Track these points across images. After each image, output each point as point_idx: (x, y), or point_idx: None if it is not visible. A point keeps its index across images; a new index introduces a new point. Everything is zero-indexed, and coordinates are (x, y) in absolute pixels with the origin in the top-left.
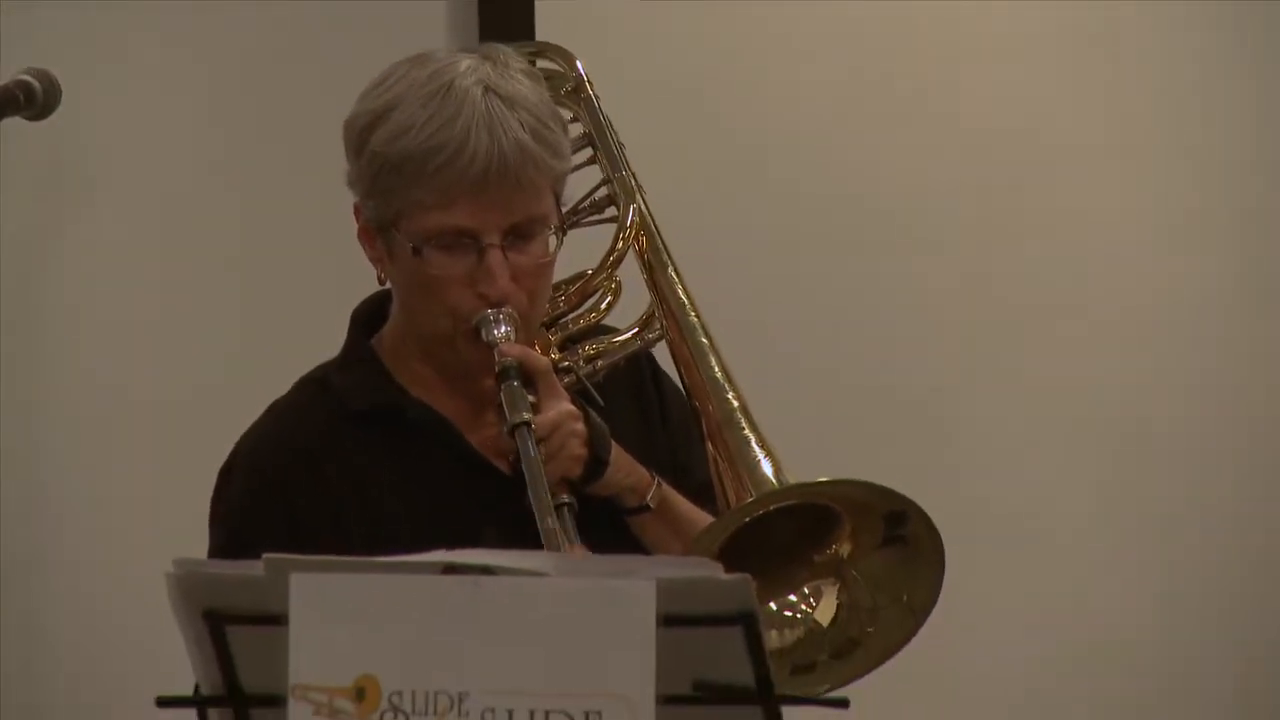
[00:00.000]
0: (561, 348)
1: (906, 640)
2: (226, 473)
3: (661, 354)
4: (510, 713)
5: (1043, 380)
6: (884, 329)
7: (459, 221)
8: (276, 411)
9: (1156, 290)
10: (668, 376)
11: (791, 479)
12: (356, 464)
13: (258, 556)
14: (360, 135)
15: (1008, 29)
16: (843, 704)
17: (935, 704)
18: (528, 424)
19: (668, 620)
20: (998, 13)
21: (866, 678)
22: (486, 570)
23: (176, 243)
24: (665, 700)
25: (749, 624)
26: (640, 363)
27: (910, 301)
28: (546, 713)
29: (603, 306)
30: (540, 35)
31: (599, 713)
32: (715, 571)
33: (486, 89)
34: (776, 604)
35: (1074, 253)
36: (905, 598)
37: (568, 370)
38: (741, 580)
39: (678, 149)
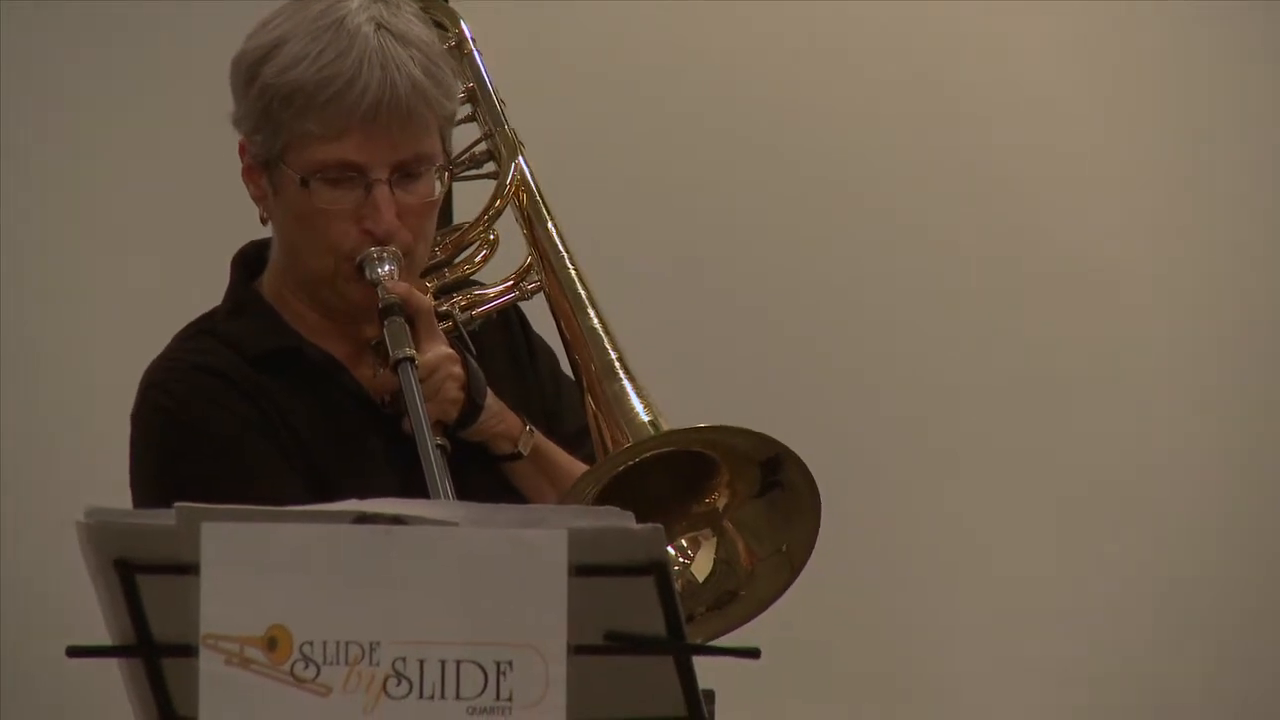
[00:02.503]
0: (437, 296)
1: (781, 592)
2: (141, 409)
3: (539, 310)
4: (422, 663)
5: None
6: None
7: (348, 155)
8: (173, 352)
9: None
10: (536, 333)
11: (668, 427)
12: (262, 397)
13: (208, 458)
14: (249, 70)
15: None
16: (753, 653)
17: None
18: (411, 359)
19: (579, 570)
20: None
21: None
22: (398, 520)
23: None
24: (577, 650)
25: (660, 573)
26: (510, 316)
27: (822, 259)
28: (458, 662)
29: (478, 259)
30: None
31: (510, 662)
32: (627, 521)
33: (379, 25)
34: None
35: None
36: (784, 547)
37: (445, 316)
38: (653, 530)
39: (584, 112)
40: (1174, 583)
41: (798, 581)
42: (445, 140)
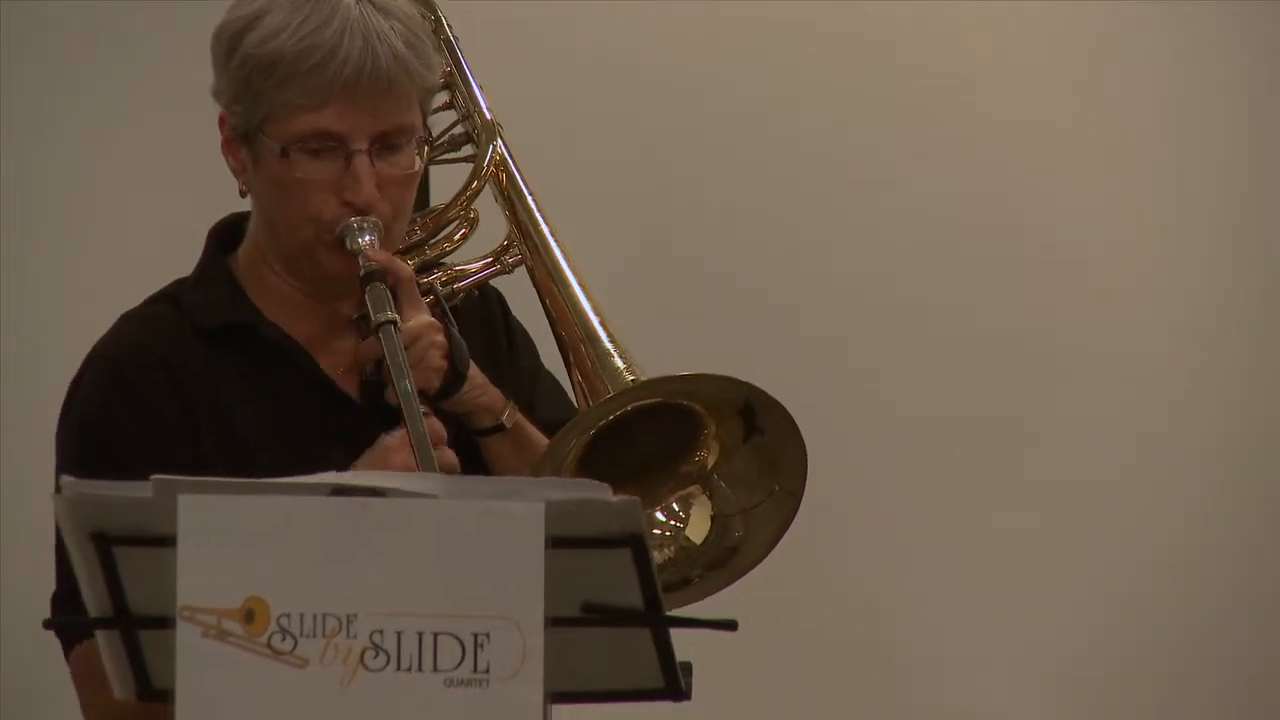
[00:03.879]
0: (417, 273)
1: (786, 525)
2: (78, 380)
3: (523, 296)
4: (399, 634)
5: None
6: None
7: (328, 124)
8: (130, 321)
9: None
10: (519, 322)
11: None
12: (209, 379)
13: (112, 461)
14: (230, 41)
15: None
16: (730, 625)
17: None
18: (394, 322)
19: (556, 542)
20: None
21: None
22: (375, 492)
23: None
24: (554, 622)
25: (637, 546)
26: (492, 303)
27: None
28: (435, 635)
29: (457, 237)
30: None
31: (488, 634)
32: (604, 494)
33: None
34: (650, 523)
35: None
36: (777, 487)
37: (427, 291)
38: (630, 502)
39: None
40: (1157, 565)
41: (779, 556)
42: (425, 113)
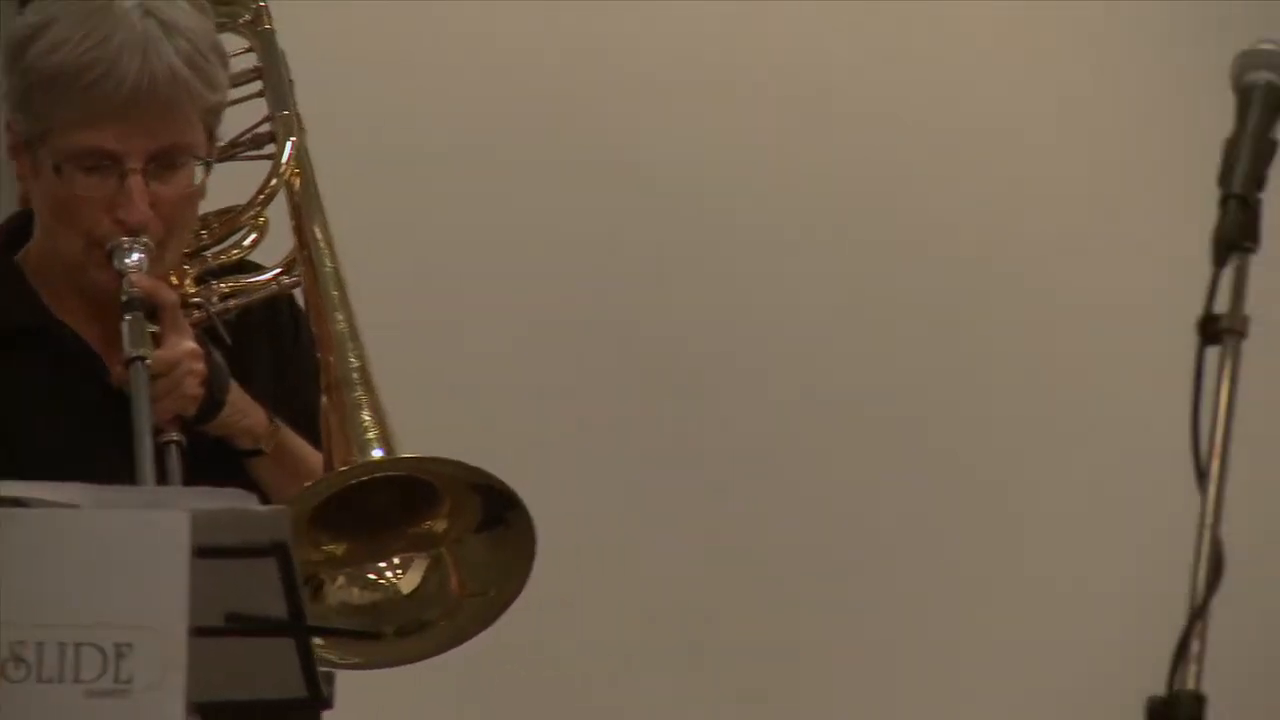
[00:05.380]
0: (199, 280)
1: (478, 631)
2: None
3: None
4: (40, 645)
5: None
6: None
7: (103, 143)
8: None
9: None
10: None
11: (399, 450)
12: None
13: None
14: (17, 48)
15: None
16: (373, 635)
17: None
18: (142, 359)
19: (201, 552)
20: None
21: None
22: (19, 502)
23: None
24: (197, 632)
25: (282, 555)
26: (282, 314)
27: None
28: (77, 645)
29: (246, 243)
30: None
31: (130, 645)
32: (249, 503)
33: (145, 12)
34: (367, 568)
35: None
36: (492, 592)
37: (199, 306)
38: (276, 512)
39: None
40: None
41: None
42: (210, 131)
